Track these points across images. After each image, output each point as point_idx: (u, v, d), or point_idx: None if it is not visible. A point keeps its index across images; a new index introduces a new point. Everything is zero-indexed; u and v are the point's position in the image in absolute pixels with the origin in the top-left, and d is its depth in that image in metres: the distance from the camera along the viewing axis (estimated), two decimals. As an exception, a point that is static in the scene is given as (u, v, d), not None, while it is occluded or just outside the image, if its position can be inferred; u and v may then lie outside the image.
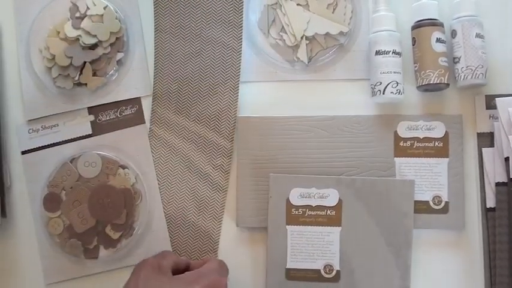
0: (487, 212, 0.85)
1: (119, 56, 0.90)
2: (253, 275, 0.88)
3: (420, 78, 0.84)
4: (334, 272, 0.85)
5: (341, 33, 0.89)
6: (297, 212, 0.85)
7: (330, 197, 0.85)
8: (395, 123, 0.87)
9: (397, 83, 0.84)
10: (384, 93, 0.84)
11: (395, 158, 0.86)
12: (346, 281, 0.84)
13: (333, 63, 0.89)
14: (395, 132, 0.86)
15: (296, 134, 0.87)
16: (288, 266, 0.85)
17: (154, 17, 0.92)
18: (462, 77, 0.84)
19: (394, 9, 0.88)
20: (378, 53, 0.85)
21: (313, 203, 0.85)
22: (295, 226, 0.85)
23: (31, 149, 0.91)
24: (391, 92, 0.83)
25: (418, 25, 0.85)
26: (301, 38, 0.89)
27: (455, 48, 0.85)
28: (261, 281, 0.88)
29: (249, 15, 0.91)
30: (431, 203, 0.85)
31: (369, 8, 0.90)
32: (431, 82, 0.83)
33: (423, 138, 0.86)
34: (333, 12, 0.89)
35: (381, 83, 0.84)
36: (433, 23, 0.84)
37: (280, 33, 0.90)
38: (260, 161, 0.87)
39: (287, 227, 0.85)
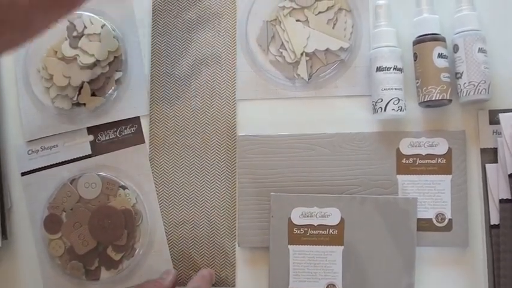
0: (491, 229, 0.84)
1: (118, 75, 0.91)
2: (256, 295, 0.89)
3: (422, 95, 0.84)
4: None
5: (341, 49, 0.89)
6: (298, 232, 0.85)
7: (332, 216, 0.85)
8: (398, 140, 0.87)
9: (399, 99, 0.84)
10: (385, 110, 0.84)
11: (397, 176, 0.86)
12: None
13: (333, 79, 0.89)
14: (398, 149, 0.87)
15: (297, 152, 0.87)
16: (290, 286, 0.86)
17: (152, 36, 0.92)
18: (465, 93, 0.84)
19: (395, 23, 0.87)
20: (378, 69, 0.85)
21: (315, 222, 0.85)
22: (297, 246, 0.85)
23: (31, 170, 0.92)
24: (393, 109, 0.84)
25: (420, 40, 0.85)
26: (301, 54, 0.89)
27: (458, 63, 0.85)
28: (264, 301, 0.89)
29: (248, 32, 0.92)
30: (434, 221, 0.85)
31: (369, 23, 0.90)
32: (434, 98, 0.83)
33: (426, 155, 0.86)
34: (333, 28, 0.89)
35: (382, 99, 0.84)
36: (435, 38, 0.84)
37: (280, 49, 0.90)
38: (261, 180, 0.88)
39: (289, 246, 0.85)
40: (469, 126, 0.87)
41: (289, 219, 0.86)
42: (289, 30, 0.89)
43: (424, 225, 0.85)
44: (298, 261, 0.85)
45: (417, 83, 0.86)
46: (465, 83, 0.83)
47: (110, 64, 0.90)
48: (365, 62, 0.89)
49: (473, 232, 0.86)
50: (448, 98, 0.83)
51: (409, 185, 0.86)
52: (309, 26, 0.89)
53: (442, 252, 0.86)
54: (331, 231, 0.85)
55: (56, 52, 0.90)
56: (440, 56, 0.84)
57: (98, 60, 0.90)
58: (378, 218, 0.84)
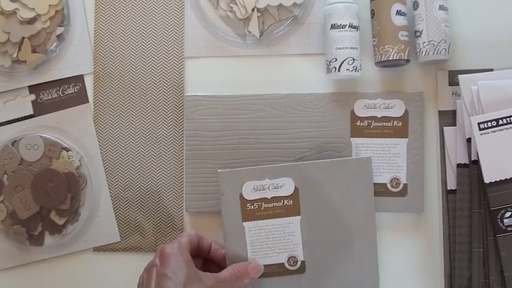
0: (447, 194, 0.84)
1: (59, 30, 0.89)
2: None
3: (379, 54, 0.83)
4: (298, 263, 0.85)
5: (295, 4, 0.86)
6: (252, 207, 0.84)
7: (285, 186, 0.84)
8: (352, 101, 0.85)
9: (354, 59, 0.82)
10: (339, 71, 0.82)
11: (351, 139, 0.85)
12: (312, 271, 0.85)
13: (286, 37, 0.87)
14: (352, 111, 0.85)
15: (247, 114, 0.86)
16: None
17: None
18: (424, 53, 0.82)
19: (352, -22, 0.85)
20: (333, 26, 0.82)
21: (268, 194, 0.84)
22: (253, 222, 0.84)
23: (-31, 131, 0.90)
24: (347, 69, 0.82)
25: (377, -4, 0.83)
26: (253, 10, 0.86)
27: (417, 21, 0.83)
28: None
29: (198, -15, 0.89)
30: (389, 186, 0.85)
31: (325, -23, 0.87)
32: (391, 58, 0.82)
33: (381, 117, 0.85)
34: (283, -18, 0.87)
35: (336, 59, 0.82)
36: (393, -6, 0.82)
37: (230, 4, 0.87)
38: (209, 143, 0.86)
39: (244, 224, 0.84)
40: (427, 87, 0.86)
41: (241, 195, 0.84)
42: (240, -16, 0.87)
43: (379, 189, 0.85)
44: (255, 237, 0.84)
45: (374, 41, 0.84)
46: (424, 42, 0.82)
47: (51, 19, 0.88)
48: (319, 18, 0.87)
49: (429, 197, 0.86)
50: (405, 58, 0.82)
51: (364, 148, 0.85)
52: (247, -20, 0.87)
53: (397, 217, 0.86)
54: (285, 202, 0.84)
55: (-5, 6, 0.88)
56: (398, 13, 0.82)
57: (38, 15, 0.87)
58: (333, 183, 0.83)
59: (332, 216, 0.84)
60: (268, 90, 0.86)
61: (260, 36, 0.87)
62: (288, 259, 0.85)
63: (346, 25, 0.82)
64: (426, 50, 0.82)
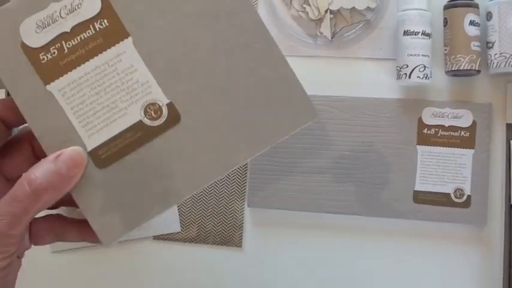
0: (510, 208, 0.84)
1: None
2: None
3: (450, 63, 0.83)
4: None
5: (368, 8, 0.87)
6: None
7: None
8: (420, 108, 0.86)
9: (425, 66, 0.83)
10: (410, 77, 0.83)
11: (417, 146, 0.85)
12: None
13: (357, 40, 0.88)
14: (420, 119, 0.86)
15: (314, 114, 0.87)
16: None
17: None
18: (495, 64, 0.82)
19: (427, -15, 0.86)
20: (406, 33, 0.83)
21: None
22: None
23: None
24: (418, 76, 0.82)
25: (452, 5, 0.83)
26: (326, 11, 0.88)
27: (490, 32, 0.83)
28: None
29: (272, -15, 0.90)
30: (452, 196, 0.85)
31: (399, -17, 0.88)
32: (462, 68, 0.82)
33: (449, 126, 0.85)
34: (361, -14, 0.88)
35: (407, 65, 0.83)
36: (468, 4, 0.82)
37: (304, 5, 0.89)
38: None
39: (48, 86, 0.56)
40: (496, 99, 0.86)
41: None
42: (314, -14, 0.88)
43: (442, 199, 0.85)
44: (78, 97, 0.55)
45: (445, 50, 0.84)
46: (496, 54, 0.82)
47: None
48: (392, 24, 0.88)
49: (492, 210, 0.85)
50: (476, 68, 0.82)
51: (429, 156, 0.85)
52: (336, -18, 0.88)
53: (459, 228, 0.86)
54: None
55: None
56: (471, 23, 0.82)
57: None
58: None
59: None
60: (336, 91, 0.87)
61: (332, 38, 0.88)
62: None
63: (419, 32, 0.83)
64: (497, 62, 0.82)
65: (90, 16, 0.53)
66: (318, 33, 0.89)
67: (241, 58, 0.54)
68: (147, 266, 0.91)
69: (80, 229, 0.58)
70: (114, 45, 0.54)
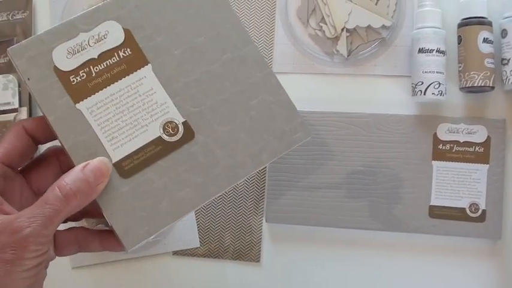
0: (525, 222, 0.86)
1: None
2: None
3: (464, 80, 0.85)
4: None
5: (383, 26, 0.89)
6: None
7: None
8: (435, 124, 0.87)
9: (440, 83, 0.84)
10: (425, 94, 0.84)
11: (433, 161, 0.87)
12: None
13: (373, 57, 0.90)
14: (435, 134, 0.87)
15: (331, 130, 0.88)
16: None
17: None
18: (510, 80, 0.84)
19: (441, 4, 0.88)
20: (421, 50, 0.85)
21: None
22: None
23: None
24: (433, 93, 0.84)
25: (465, 23, 0.85)
26: (342, 30, 0.90)
27: (505, 49, 0.85)
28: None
29: (288, 4, 0.92)
30: (467, 211, 0.86)
31: (413, 2, 0.90)
32: (476, 84, 0.84)
33: (463, 142, 0.87)
34: (376, 4, 0.90)
35: (422, 82, 0.85)
36: (481, 22, 0.84)
37: (320, 23, 0.91)
38: (292, 156, 0.89)
39: (78, 105, 0.62)
40: (510, 115, 0.88)
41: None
42: (330, 4, 0.90)
43: (457, 214, 0.86)
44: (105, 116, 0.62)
45: (460, 67, 0.86)
46: (511, 71, 0.84)
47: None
48: (407, 41, 0.90)
49: (507, 224, 0.87)
50: (490, 84, 0.84)
51: (444, 171, 0.87)
52: (351, 1, 0.90)
53: (474, 243, 0.87)
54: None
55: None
56: (485, 40, 0.84)
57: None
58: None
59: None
60: (352, 108, 0.89)
61: (348, 56, 0.90)
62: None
63: (433, 49, 0.85)
64: (512, 78, 0.84)
65: (115, 45, 0.63)
66: (335, 51, 0.91)
67: (245, 84, 0.65)
68: (166, 281, 0.93)
69: (101, 239, 0.65)
70: (136, 71, 0.63)
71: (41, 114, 0.61)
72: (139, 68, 0.63)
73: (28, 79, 0.61)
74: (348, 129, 0.88)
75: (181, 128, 0.63)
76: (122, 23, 0.63)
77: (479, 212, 0.86)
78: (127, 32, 0.63)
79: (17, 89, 0.92)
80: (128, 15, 0.64)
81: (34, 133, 0.62)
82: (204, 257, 0.92)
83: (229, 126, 0.64)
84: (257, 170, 0.65)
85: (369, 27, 0.90)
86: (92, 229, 0.65)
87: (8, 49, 0.60)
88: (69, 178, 0.56)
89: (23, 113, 0.93)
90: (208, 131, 0.63)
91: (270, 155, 0.65)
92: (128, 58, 0.63)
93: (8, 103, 0.93)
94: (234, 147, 0.64)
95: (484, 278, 0.88)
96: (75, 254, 0.66)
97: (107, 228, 0.65)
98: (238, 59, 0.65)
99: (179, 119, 0.63)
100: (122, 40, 0.63)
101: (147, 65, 0.63)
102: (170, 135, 0.63)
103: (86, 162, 0.58)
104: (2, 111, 0.93)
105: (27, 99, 0.94)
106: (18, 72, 0.61)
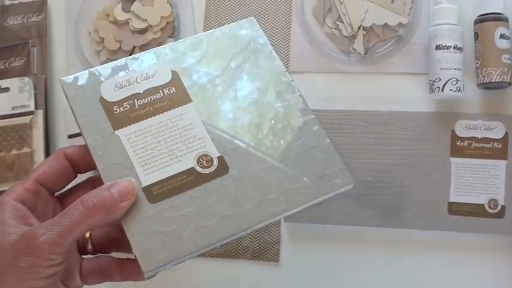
0: (544, 218, 0.86)
1: (169, 41, 0.93)
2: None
3: (481, 76, 0.86)
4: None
5: (400, 24, 0.90)
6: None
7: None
8: (453, 121, 0.88)
9: (457, 80, 0.85)
10: (442, 91, 0.85)
11: (451, 158, 0.88)
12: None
13: (390, 55, 0.91)
14: (453, 131, 0.88)
15: (349, 129, 0.90)
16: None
17: (206, 4, 0.95)
18: (527, 76, 0.85)
19: (457, 0, 0.88)
20: (438, 47, 0.86)
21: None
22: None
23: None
24: (451, 90, 0.85)
25: (482, 19, 0.86)
26: (358, 28, 0.91)
27: (522, 45, 0.86)
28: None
29: (304, 3, 0.94)
30: (486, 207, 0.87)
31: (430, -1, 0.91)
32: (493, 80, 0.85)
33: (481, 138, 0.88)
34: (392, 2, 0.91)
35: (440, 79, 0.86)
36: (498, 18, 0.85)
37: (337, 22, 0.92)
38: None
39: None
40: (528, 111, 0.89)
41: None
42: (347, 3, 0.91)
43: (476, 210, 0.87)
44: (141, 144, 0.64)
45: (477, 63, 0.87)
46: (528, 66, 0.85)
47: (162, 30, 0.93)
48: (423, 39, 0.91)
49: (527, 220, 0.88)
50: (508, 80, 0.85)
51: (463, 168, 0.88)
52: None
53: (493, 239, 0.88)
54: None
55: (108, 15, 0.94)
56: (502, 36, 0.85)
57: (150, 25, 0.93)
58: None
59: None
60: (370, 106, 0.90)
61: (364, 54, 0.91)
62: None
63: (451, 46, 0.86)
64: (529, 74, 0.85)
65: (161, 83, 0.66)
66: (351, 50, 0.92)
67: (284, 128, 0.66)
68: (185, 281, 0.93)
69: (122, 267, 0.64)
70: (178, 107, 0.65)
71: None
72: (182, 105, 0.65)
73: (75, 105, 0.64)
74: (365, 127, 0.89)
75: (215, 161, 0.63)
76: (170, 66, 0.68)
77: (498, 208, 0.87)
78: (174, 74, 0.67)
79: (32, 91, 0.93)
80: (179, 61, 0.68)
81: (73, 159, 0.64)
82: (223, 257, 0.92)
83: (265, 164, 0.64)
84: (290, 212, 0.62)
85: (385, 25, 0.91)
86: (114, 257, 0.65)
87: (60, 79, 0.66)
88: (93, 193, 0.57)
89: (39, 116, 0.94)
90: (243, 168, 0.63)
91: (305, 198, 0.63)
92: (172, 95, 0.66)
93: (24, 106, 0.94)
94: (268, 185, 0.63)
95: (503, 275, 0.88)
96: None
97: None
98: (279, 103, 0.68)
99: (215, 153, 0.63)
100: (169, 79, 0.67)
101: (189, 102, 0.66)
102: (204, 167, 0.63)
103: (114, 181, 0.59)
104: (18, 113, 0.94)
105: (43, 102, 0.95)
106: (66, 99, 0.65)
